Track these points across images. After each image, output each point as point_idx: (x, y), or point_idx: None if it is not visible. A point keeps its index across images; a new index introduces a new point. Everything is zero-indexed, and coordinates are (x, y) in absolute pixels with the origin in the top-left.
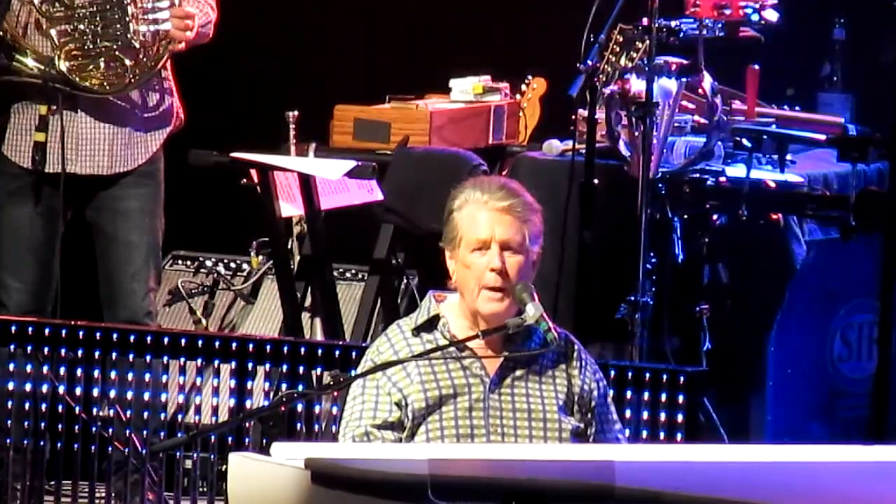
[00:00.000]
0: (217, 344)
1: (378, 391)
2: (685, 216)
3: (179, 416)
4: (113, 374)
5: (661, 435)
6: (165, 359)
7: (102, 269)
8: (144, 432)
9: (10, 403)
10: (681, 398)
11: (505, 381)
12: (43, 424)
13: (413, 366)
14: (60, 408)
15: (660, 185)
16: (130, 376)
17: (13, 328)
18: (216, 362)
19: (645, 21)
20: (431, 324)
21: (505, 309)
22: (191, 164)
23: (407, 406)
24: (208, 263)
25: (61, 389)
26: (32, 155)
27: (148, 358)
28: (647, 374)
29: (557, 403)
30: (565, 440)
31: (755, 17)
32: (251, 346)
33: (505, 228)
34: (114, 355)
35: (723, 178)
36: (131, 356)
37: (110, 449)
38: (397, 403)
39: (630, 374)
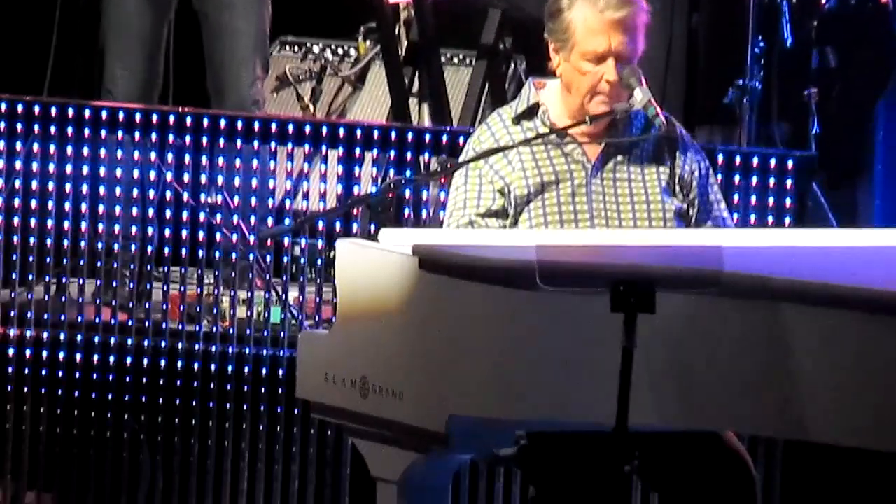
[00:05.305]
0: (325, 130)
1: (481, 179)
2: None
3: (287, 203)
4: (221, 161)
5: (770, 220)
6: (273, 145)
7: (210, 58)
8: (252, 219)
9: (118, 190)
10: (789, 183)
11: (607, 167)
12: (151, 211)
13: (514, 153)
14: (169, 194)
15: None
16: (238, 163)
17: (122, 115)
18: (324, 148)
19: None
20: (532, 111)
21: (612, 107)
22: None
23: (509, 193)
24: (316, 49)
25: (169, 176)
26: None
27: (256, 144)
28: (756, 159)
29: (660, 185)
30: (669, 221)
31: None
32: (359, 132)
33: (621, 39)
34: (222, 141)
35: None
36: (239, 142)
37: (218, 235)
38: (500, 191)
39: (738, 158)
